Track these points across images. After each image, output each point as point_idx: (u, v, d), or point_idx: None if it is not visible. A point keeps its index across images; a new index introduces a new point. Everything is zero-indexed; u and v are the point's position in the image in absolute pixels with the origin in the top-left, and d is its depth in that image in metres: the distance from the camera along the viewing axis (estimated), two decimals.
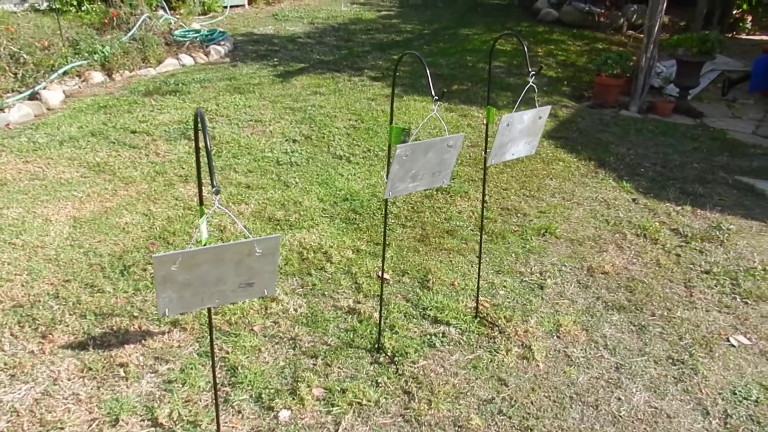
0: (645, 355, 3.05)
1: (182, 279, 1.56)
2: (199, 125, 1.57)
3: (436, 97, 2.23)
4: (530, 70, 2.66)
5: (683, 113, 6.93)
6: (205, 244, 1.67)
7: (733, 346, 3.15)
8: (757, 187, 5.00)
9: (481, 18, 12.24)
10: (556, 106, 6.87)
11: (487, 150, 2.87)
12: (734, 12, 11.31)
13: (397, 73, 8.25)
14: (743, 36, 11.32)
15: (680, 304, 3.46)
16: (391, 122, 2.54)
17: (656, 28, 6.83)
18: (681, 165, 5.40)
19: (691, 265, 3.83)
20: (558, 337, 3.15)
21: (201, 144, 1.70)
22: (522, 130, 2.76)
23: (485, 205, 4.48)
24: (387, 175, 2.39)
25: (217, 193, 1.48)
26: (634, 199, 4.69)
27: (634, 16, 11.59)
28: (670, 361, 3.02)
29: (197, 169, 1.67)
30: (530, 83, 2.65)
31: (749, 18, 11.44)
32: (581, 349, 3.07)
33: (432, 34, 10.53)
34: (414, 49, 9.27)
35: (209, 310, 2.00)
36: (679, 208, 4.56)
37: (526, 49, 2.72)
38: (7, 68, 6.15)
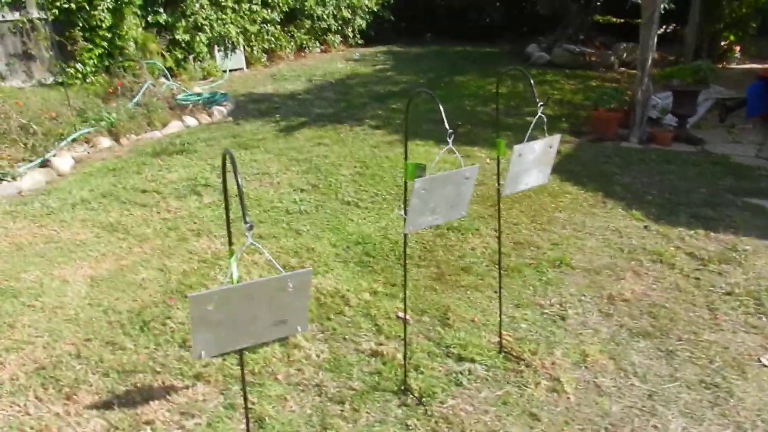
0: (677, 381, 2.99)
1: (217, 318, 1.55)
2: (229, 165, 1.60)
3: (451, 131, 2.27)
4: (538, 101, 2.72)
5: (683, 141, 7.01)
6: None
7: (765, 366, 3.09)
8: (767, 207, 5.00)
9: (473, 65, 12.54)
10: None
11: (500, 182, 2.90)
12: (722, 44, 11.59)
13: (397, 121, 8.33)
14: (733, 66, 11.55)
15: (706, 327, 3.41)
16: (405, 159, 2.58)
17: (649, 61, 6.98)
18: (687, 190, 5.43)
19: (712, 288, 3.80)
20: (586, 367, 3.11)
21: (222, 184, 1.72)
22: (534, 160, 2.79)
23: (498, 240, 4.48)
24: (405, 211, 2.41)
25: (251, 228, 1.50)
26: (645, 226, 4.69)
27: (624, 54, 11.89)
28: (703, 385, 2.96)
29: (225, 209, 1.69)
30: (539, 114, 2.70)
31: (737, 48, 11.71)
32: (611, 378, 3.01)
33: (428, 83, 10.77)
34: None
35: (241, 357, 1.99)
36: (692, 232, 4.56)
37: (532, 81, 2.79)
38: (17, 139, 6.28)
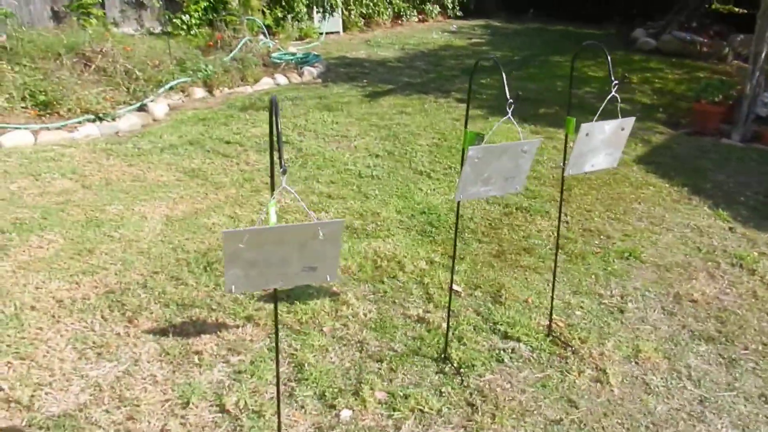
0: (734, 390, 2.82)
1: (249, 257, 1.62)
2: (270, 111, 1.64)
3: (511, 100, 2.21)
4: (613, 80, 2.59)
5: None
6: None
7: None
8: None
9: (573, 46, 12.01)
10: (650, 132, 6.61)
11: (565, 161, 2.81)
12: None
13: (483, 96, 8.17)
14: None
15: None
16: (465, 127, 2.54)
17: (762, 54, 6.45)
18: None
19: None
20: (636, 363, 2.99)
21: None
22: (603, 141, 2.68)
23: (567, 225, 4.35)
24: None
25: (284, 172, 1.54)
26: (731, 228, 4.40)
27: (740, 46, 11.01)
28: (763, 398, 2.78)
29: (270, 155, 1.74)
30: (612, 93, 2.58)
31: None
32: (661, 378, 2.88)
33: (522, 61, 10.46)
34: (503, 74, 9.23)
35: (275, 298, 2.06)
36: None
37: (609, 59, 2.66)
38: (121, 83, 6.69)
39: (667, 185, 5.17)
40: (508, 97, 2.20)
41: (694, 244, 4.15)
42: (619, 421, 2.63)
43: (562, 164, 2.88)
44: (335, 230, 1.67)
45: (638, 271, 3.81)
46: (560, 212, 3.23)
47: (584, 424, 2.59)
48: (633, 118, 2.78)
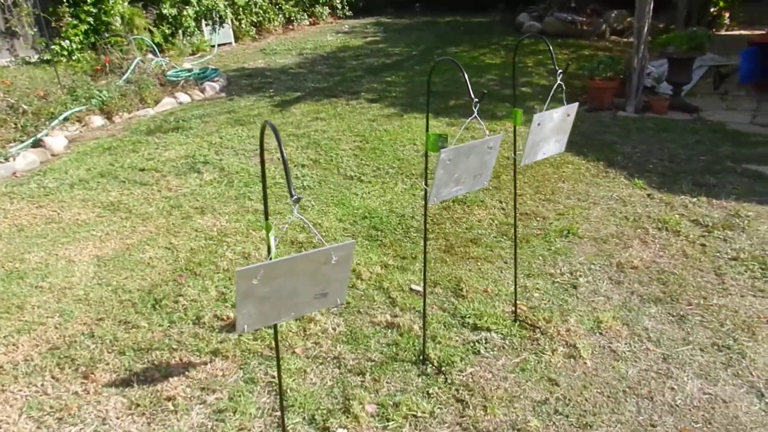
0: (690, 344, 3.04)
1: (262, 293, 1.53)
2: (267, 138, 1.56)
3: (476, 100, 2.24)
4: (557, 69, 2.70)
5: (679, 109, 7.02)
6: (272, 259, 1.65)
7: None
8: (766, 173, 5.05)
9: (464, 36, 12.42)
10: None
11: (517, 151, 2.89)
12: (712, 10, 11.55)
13: (393, 94, 8.23)
14: (722, 32, 11.55)
15: (714, 292, 3.46)
16: (427, 130, 2.55)
17: (645, 29, 6.96)
18: (688, 158, 5.45)
19: (718, 254, 3.85)
20: (600, 333, 3.14)
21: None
22: (552, 128, 2.78)
23: (504, 211, 4.49)
24: (425, 182, 2.39)
25: (297, 201, 1.47)
26: (648, 195, 4.72)
27: (615, 22, 11.83)
28: (716, 347, 3.01)
29: (263, 184, 1.66)
30: (558, 82, 2.68)
31: (726, 14, 11.69)
32: (626, 344, 3.05)
33: (421, 55, 10.66)
34: (406, 70, 9.39)
35: (275, 333, 1.98)
36: (694, 199, 4.59)
37: (551, 49, 2.76)
38: (7, 119, 6.16)
39: (583, 162, 5.46)
40: (473, 96, 2.23)
41: (621, 214, 4.42)
42: (599, 390, 2.76)
43: (513, 155, 2.96)
44: (347, 253, 1.62)
45: (579, 247, 4.00)
46: (515, 202, 3.33)
47: (569, 399, 2.70)
48: (576, 104, 2.91)
